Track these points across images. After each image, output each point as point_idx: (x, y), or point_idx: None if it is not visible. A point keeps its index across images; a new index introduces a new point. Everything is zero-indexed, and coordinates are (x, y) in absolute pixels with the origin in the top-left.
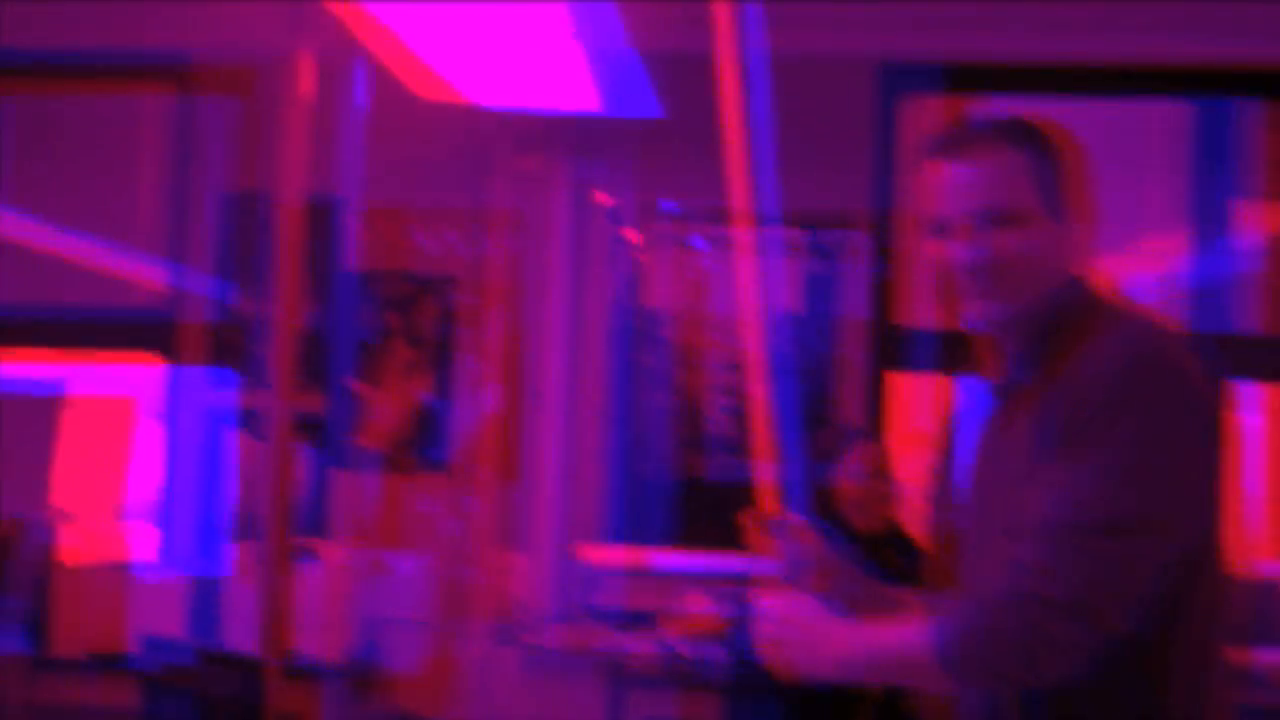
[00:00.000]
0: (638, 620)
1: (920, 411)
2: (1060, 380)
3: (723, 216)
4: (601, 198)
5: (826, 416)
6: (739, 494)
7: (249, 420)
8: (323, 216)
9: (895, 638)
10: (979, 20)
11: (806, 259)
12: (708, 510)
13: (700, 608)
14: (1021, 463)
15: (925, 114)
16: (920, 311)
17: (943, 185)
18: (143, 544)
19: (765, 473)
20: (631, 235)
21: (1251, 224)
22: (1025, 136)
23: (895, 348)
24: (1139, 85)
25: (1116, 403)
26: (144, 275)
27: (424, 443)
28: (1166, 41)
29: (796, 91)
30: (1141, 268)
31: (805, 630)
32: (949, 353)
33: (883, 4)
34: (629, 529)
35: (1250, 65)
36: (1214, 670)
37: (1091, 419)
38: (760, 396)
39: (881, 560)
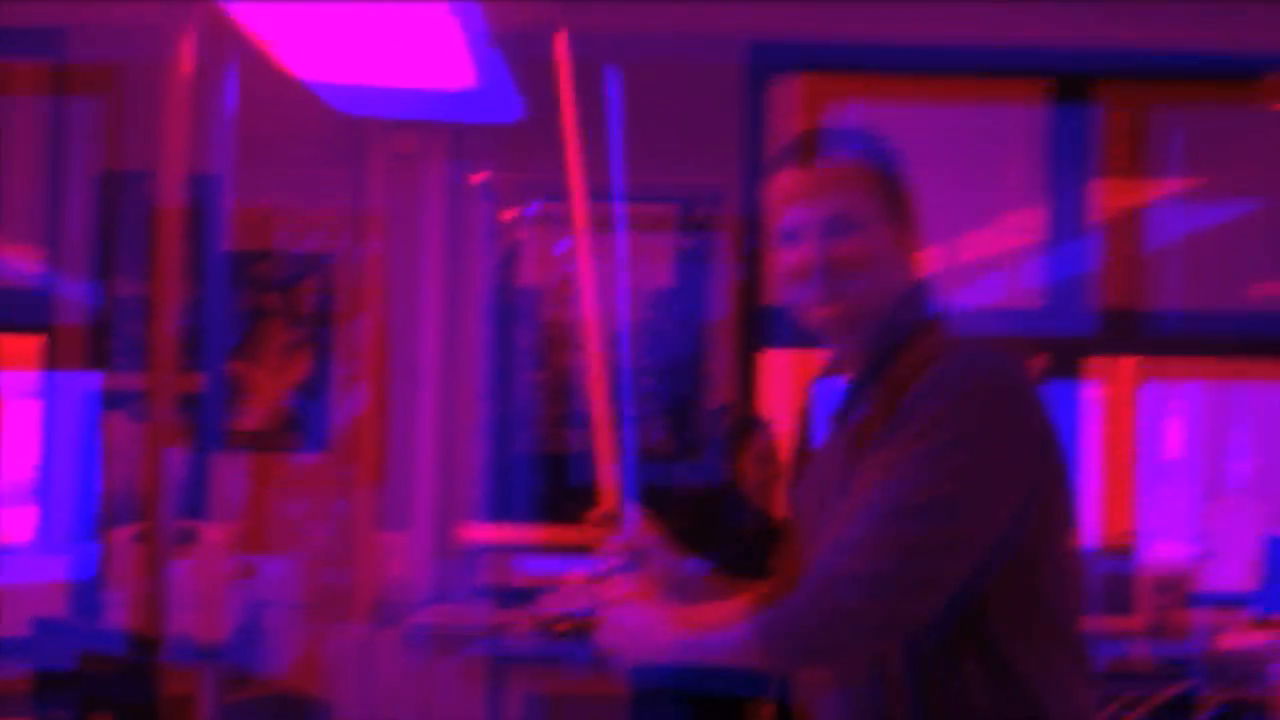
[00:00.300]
0: (517, 598)
1: (794, 389)
2: (898, 401)
3: (596, 197)
4: (476, 178)
5: (702, 401)
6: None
7: (128, 403)
8: (197, 198)
9: (718, 619)
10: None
11: (677, 239)
12: (583, 487)
13: (579, 585)
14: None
15: (794, 94)
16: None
17: (789, 194)
18: (20, 529)
19: (604, 468)
20: (505, 215)
21: (1103, 204)
22: (866, 148)
23: (767, 326)
24: (998, 65)
25: (938, 405)
26: (18, 259)
27: (304, 423)
28: (1026, 22)
29: (666, 74)
30: (998, 245)
31: (638, 617)
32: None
33: None
34: (506, 507)
35: (1106, 47)
36: (1073, 651)
37: (913, 418)
38: (599, 394)
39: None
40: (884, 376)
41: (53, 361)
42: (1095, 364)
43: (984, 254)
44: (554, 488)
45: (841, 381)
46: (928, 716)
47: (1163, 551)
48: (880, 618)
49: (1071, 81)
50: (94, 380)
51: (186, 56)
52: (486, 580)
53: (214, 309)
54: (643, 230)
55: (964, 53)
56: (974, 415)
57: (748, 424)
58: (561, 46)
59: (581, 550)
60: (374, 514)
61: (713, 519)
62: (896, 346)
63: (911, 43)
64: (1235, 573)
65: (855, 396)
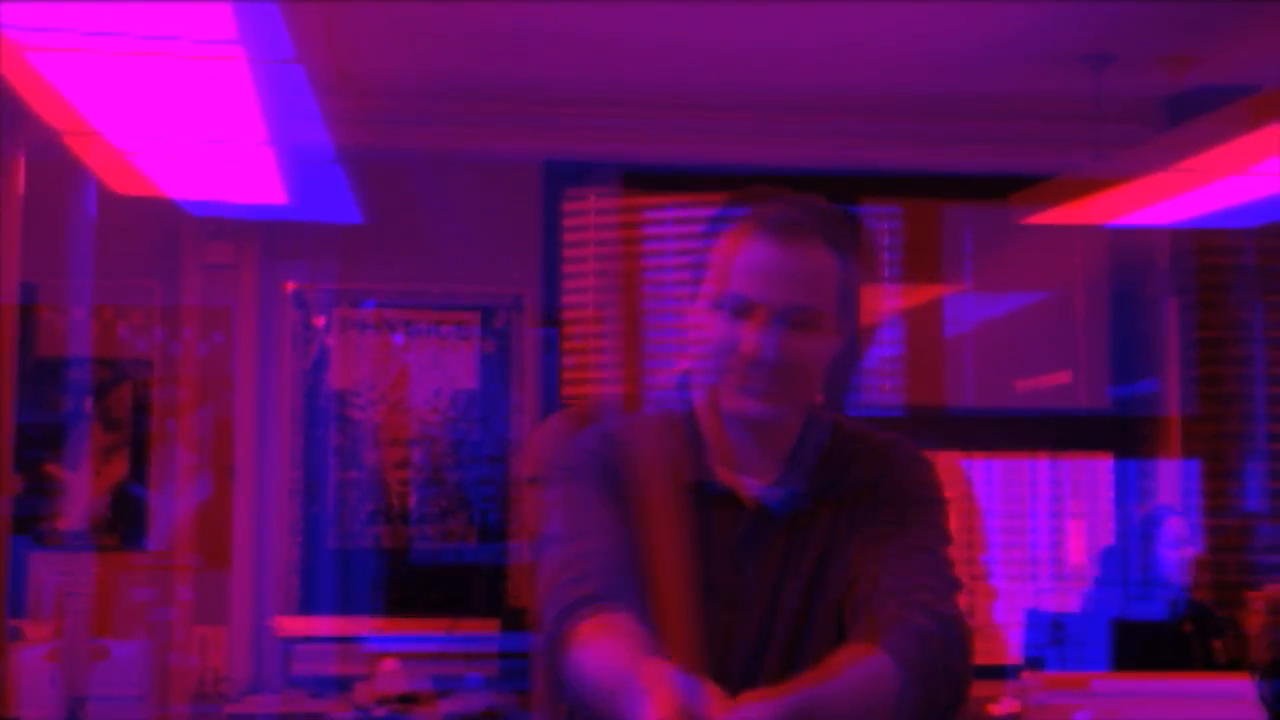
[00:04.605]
0: (334, 687)
1: None
2: (873, 488)
3: (406, 303)
4: (288, 286)
5: (508, 493)
6: (436, 567)
7: None
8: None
9: (848, 681)
10: (646, 129)
11: (482, 344)
12: (407, 582)
13: (391, 673)
14: (837, 554)
15: (589, 209)
16: (590, 388)
17: (755, 265)
18: None
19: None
20: (318, 321)
21: (879, 309)
22: (847, 240)
23: None
24: (777, 187)
25: (936, 490)
26: None
27: (125, 524)
28: (808, 150)
29: (473, 187)
30: None
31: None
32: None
33: (549, 107)
34: (332, 601)
35: (876, 171)
36: None
37: (927, 501)
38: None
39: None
40: (830, 475)
41: None
42: None
43: None
44: (383, 583)
45: (764, 492)
46: None
47: None
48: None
49: (840, 197)
50: None
51: (18, 177)
52: (310, 670)
53: (32, 415)
54: (450, 335)
55: (748, 178)
56: (945, 502)
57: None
58: None
59: (404, 647)
60: (199, 609)
61: None
62: (830, 449)
63: (699, 163)
64: (1003, 647)
65: (789, 492)
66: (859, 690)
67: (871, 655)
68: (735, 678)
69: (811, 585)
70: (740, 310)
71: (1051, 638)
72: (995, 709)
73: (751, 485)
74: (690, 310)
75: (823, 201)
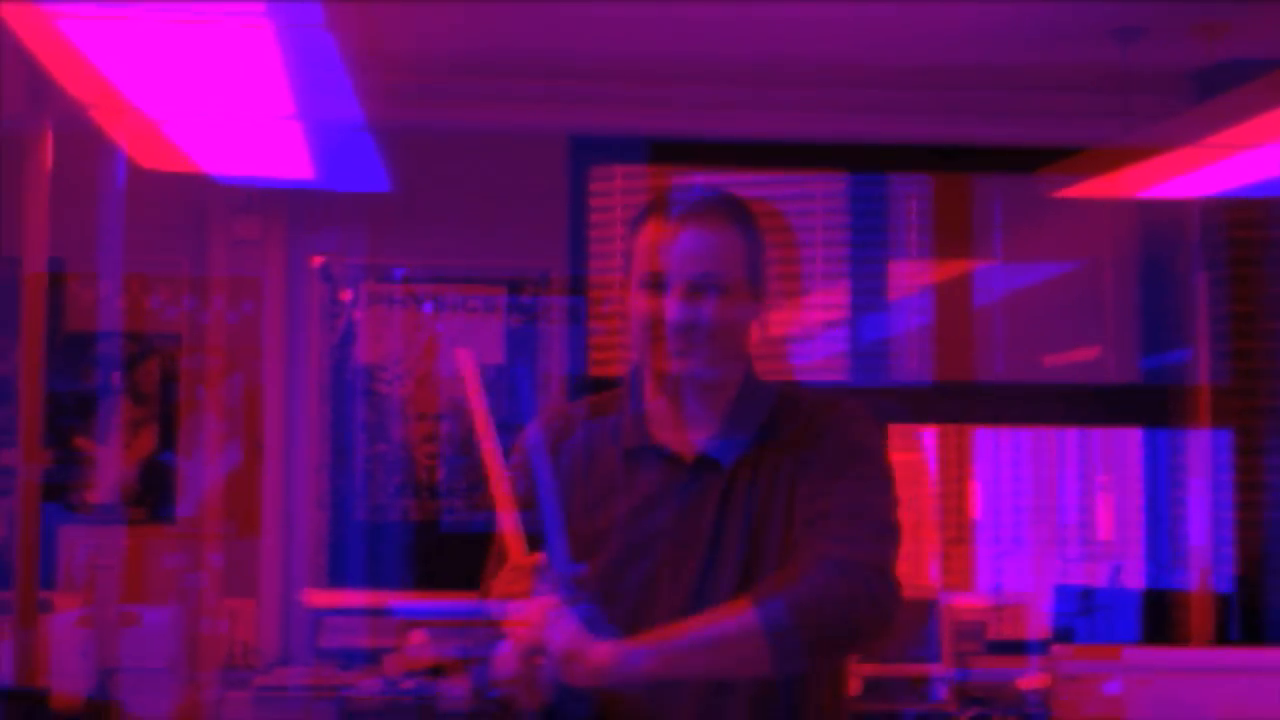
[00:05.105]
0: (363, 659)
1: None
2: (809, 440)
3: (441, 278)
4: (315, 260)
5: None
6: (466, 538)
7: None
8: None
9: (717, 625)
10: (672, 102)
11: (509, 317)
12: (438, 554)
13: (420, 644)
14: (776, 501)
15: (615, 183)
16: (616, 365)
17: (666, 245)
18: None
19: (506, 520)
20: (346, 295)
21: (908, 281)
22: (744, 217)
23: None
24: (804, 159)
25: (870, 442)
26: None
27: (154, 496)
28: (830, 121)
29: (500, 161)
30: (806, 321)
31: (605, 646)
32: None
33: (575, 81)
34: (361, 573)
35: (904, 143)
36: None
37: (857, 452)
38: (489, 447)
39: None
40: (768, 430)
41: None
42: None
43: (789, 329)
44: (413, 555)
45: (698, 447)
46: None
47: (963, 601)
48: (892, 601)
49: (871, 175)
50: None
51: (46, 150)
52: (339, 643)
53: (62, 387)
54: (478, 308)
55: (770, 150)
56: (882, 450)
57: None
58: None
59: (434, 619)
60: (229, 581)
61: None
62: (771, 407)
63: (726, 136)
64: (1031, 620)
65: (727, 445)
66: (721, 637)
67: (742, 609)
68: (684, 609)
69: (754, 526)
70: (662, 285)
71: (1081, 608)
72: (1024, 682)
73: (690, 443)
74: (623, 294)
75: (729, 192)
